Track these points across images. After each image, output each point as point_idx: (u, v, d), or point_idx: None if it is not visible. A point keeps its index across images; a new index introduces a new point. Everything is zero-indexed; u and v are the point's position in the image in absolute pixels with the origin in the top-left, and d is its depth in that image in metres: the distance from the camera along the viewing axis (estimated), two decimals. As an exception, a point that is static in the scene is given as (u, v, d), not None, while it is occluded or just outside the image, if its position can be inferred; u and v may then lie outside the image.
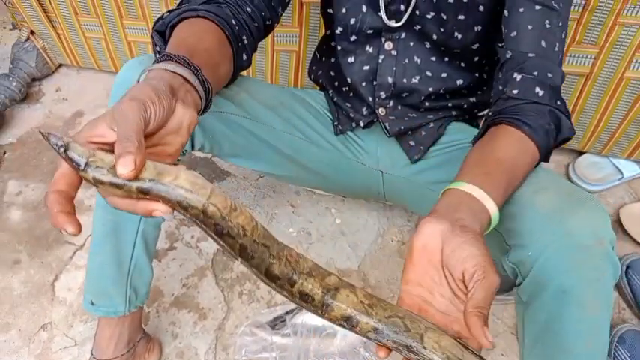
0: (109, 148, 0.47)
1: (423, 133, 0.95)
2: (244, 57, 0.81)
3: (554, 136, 0.73)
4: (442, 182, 0.93)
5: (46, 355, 1.07)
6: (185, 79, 0.59)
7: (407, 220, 1.31)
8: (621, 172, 1.32)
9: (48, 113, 1.52)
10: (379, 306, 0.52)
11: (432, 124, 0.94)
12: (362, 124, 0.95)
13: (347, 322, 0.51)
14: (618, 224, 1.27)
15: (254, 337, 1.06)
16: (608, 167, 1.34)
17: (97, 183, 0.45)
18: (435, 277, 0.57)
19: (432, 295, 0.58)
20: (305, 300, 0.51)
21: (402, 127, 0.93)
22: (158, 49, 0.73)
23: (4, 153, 1.42)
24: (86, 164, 0.44)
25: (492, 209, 0.62)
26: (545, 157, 0.74)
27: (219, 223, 0.46)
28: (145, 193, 0.45)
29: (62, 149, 0.45)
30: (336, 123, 0.99)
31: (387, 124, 0.93)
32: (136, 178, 0.45)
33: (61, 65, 1.64)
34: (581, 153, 1.38)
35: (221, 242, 0.47)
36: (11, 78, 1.48)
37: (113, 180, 0.44)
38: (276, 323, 1.08)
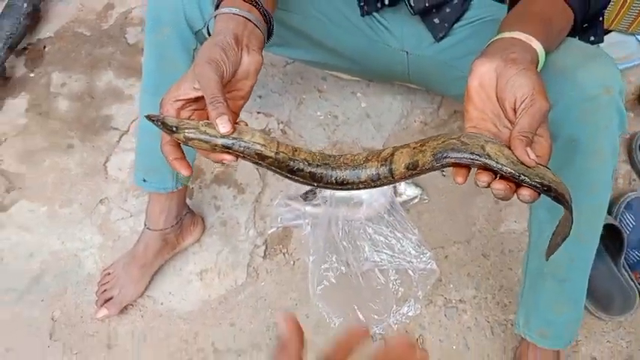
0: (192, 103, 0.62)
1: (448, 10, 0.97)
2: None
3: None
4: (466, 56, 0.98)
5: (106, 225, 1.22)
6: (247, 19, 0.66)
7: (430, 103, 1.36)
8: (645, 50, 1.33)
9: (80, 7, 1.57)
10: (431, 140, 0.57)
11: (456, 0, 0.96)
12: (387, 1, 0.98)
13: (412, 170, 0.57)
14: (638, 101, 1.31)
15: (288, 208, 1.17)
16: (633, 45, 1.35)
17: (187, 140, 0.58)
18: (495, 111, 0.61)
19: (497, 128, 0.61)
20: (375, 182, 0.59)
21: (427, 4, 0.94)
22: None
23: (44, 47, 1.49)
24: (177, 127, 0.58)
25: (538, 47, 0.65)
26: (583, 19, 0.77)
27: (289, 164, 0.58)
28: (227, 148, 0.58)
29: (159, 122, 0.59)
30: (362, 4, 1.02)
31: (411, 2, 0.95)
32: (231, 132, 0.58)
33: (87, -42, 1.66)
34: (607, 32, 1.38)
35: (295, 177, 0.59)
36: (42, -28, 1.52)
37: (202, 137, 0.58)
38: (308, 195, 1.19)
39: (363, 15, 1.02)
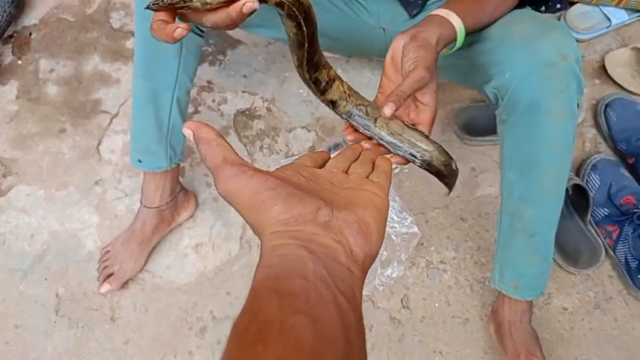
0: None
1: None
2: None
3: None
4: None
5: (103, 206, 1.27)
6: None
7: (408, 77, 1.42)
8: (609, 20, 1.40)
9: (63, -7, 1.59)
10: (355, 96, 0.67)
11: None
12: None
13: (333, 105, 0.66)
14: (603, 69, 1.38)
15: (277, 182, 1.23)
16: (597, 16, 1.41)
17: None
18: (399, 79, 0.70)
19: None
20: (311, 87, 0.65)
21: None
22: None
23: (30, 34, 1.51)
24: None
25: (456, 22, 0.75)
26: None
27: (306, 10, 0.56)
28: None
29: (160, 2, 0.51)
30: (340, -16, 1.07)
31: None
32: None
33: (66, -57, 1.67)
34: (573, 3, 1.45)
35: (304, 28, 0.57)
36: (22, -41, 1.53)
37: None
38: (295, 169, 1.25)
39: (341, -6, 1.08)
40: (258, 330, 0.28)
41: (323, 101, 0.67)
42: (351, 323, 0.31)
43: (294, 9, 0.55)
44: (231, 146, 0.42)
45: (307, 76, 0.64)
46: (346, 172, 0.46)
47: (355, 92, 0.68)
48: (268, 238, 0.35)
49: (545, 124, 0.83)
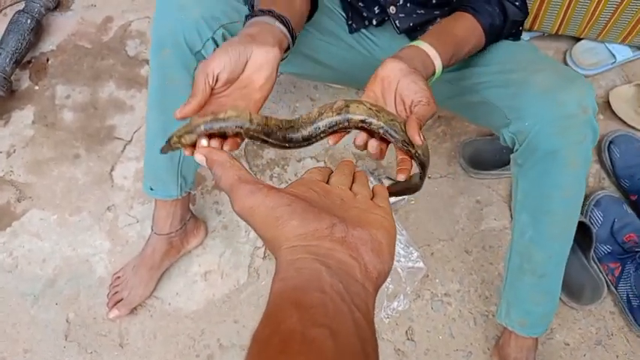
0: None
1: (430, 28, 1.06)
2: None
3: (502, 19, 0.90)
4: (448, 71, 1.07)
5: (115, 231, 1.29)
6: (264, 22, 0.73)
7: (415, 108, 1.45)
8: (614, 56, 1.43)
9: (80, 20, 1.63)
10: (384, 112, 0.65)
11: (438, 19, 1.05)
12: (374, 22, 1.06)
13: (364, 124, 0.64)
14: (607, 104, 1.40)
15: (285, 212, 1.25)
16: (602, 52, 1.44)
17: (179, 140, 0.61)
18: (388, 98, 0.72)
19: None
20: (334, 129, 0.64)
21: (411, 24, 1.03)
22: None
23: (47, 60, 1.55)
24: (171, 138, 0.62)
25: (438, 65, 0.80)
26: (496, 36, 0.92)
27: (263, 128, 0.61)
28: (208, 131, 0.58)
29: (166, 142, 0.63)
30: (350, 22, 1.10)
31: (397, 22, 1.03)
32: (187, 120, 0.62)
33: (84, -29, 1.72)
34: (578, 40, 1.48)
35: (270, 140, 0.62)
36: (42, -13, 1.58)
37: (183, 131, 0.60)
38: (303, 200, 1.27)
39: (351, 32, 1.11)
40: (280, 341, 0.29)
41: (353, 128, 0.65)
42: (367, 337, 0.32)
43: (251, 132, 0.60)
44: (244, 166, 0.44)
45: (318, 139, 0.65)
46: (350, 189, 0.48)
47: (380, 107, 0.66)
48: (285, 253, 0.37)
49: (560, 172, 0.87)
